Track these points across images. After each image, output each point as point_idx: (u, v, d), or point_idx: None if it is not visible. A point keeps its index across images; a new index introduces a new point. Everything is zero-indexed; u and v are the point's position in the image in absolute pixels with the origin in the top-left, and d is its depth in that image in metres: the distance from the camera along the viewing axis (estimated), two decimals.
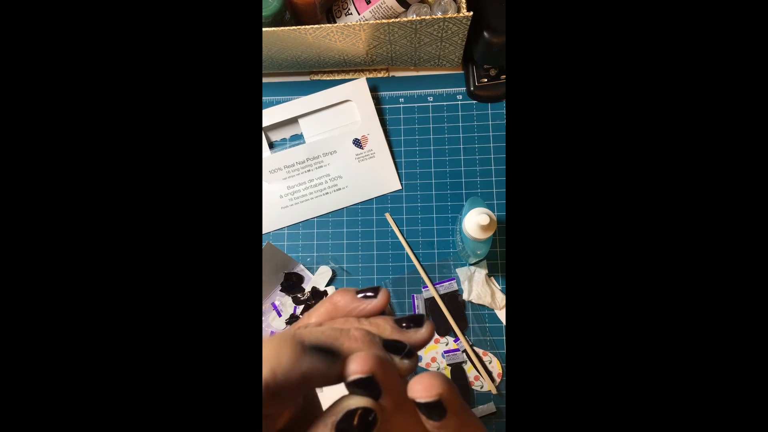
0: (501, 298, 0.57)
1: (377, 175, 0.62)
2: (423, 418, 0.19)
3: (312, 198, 0.62)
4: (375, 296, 0.21)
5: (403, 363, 0.19)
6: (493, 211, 0.57)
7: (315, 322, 0.21)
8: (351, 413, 0.17)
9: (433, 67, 0.65)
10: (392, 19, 0.55)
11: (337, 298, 0.21)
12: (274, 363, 0.17)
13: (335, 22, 0.61)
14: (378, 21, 0.55)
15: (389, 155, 0.63)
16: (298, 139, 0.64)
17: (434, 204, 0.61)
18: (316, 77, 0.67)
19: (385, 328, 0.20)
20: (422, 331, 0.21)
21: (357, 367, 0.17)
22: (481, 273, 0.58)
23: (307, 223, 0.62)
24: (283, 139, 0.65)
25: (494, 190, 0.61)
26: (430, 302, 0.58)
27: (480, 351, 0.57)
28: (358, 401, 0.18)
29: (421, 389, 0.18)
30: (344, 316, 0.21)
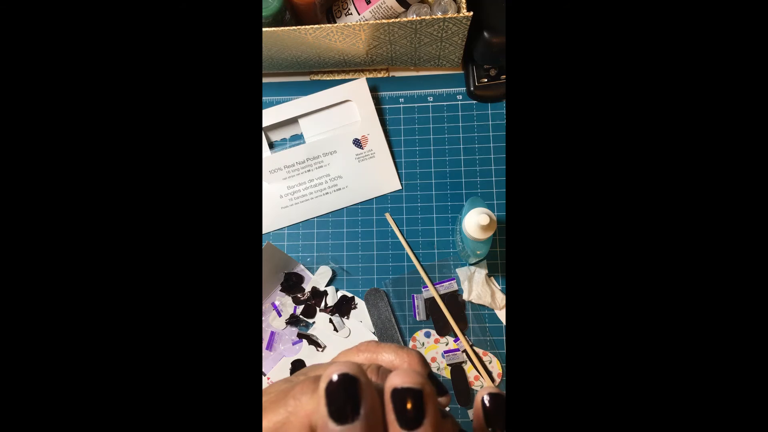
0: (501, 298, 0.57)
1: (377, 175, 0.62)
2: (395, 430, 0.17)
3: (312, 198, 0.62)
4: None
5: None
6: (493, 211, 0.57)
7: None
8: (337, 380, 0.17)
9: (433, 67, 0.65)
10: (392, 19, 0.55)
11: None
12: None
13: (335, 22, 0.61)
14: (378, 21, 0.55)
15: (389, 155, 0.63)
16: (298, 139, 0.64)
17: (434, 204, 0.61)
18: (316, 77, 0.67)
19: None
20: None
21: (341, 368, 0.17)
22: (481, 273, 0.58)
23: (307, 223, 0.62)
24: (283, 139, 0.65)
25: (494, 190, 0.61)
26: (430, 302, 0.58)
27: (480, 351, 0.57)
28: (342, 367, 0.17)
29: (402, 375, 0.17)
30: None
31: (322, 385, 0.17)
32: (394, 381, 0.17)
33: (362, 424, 0.17)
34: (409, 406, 0.17)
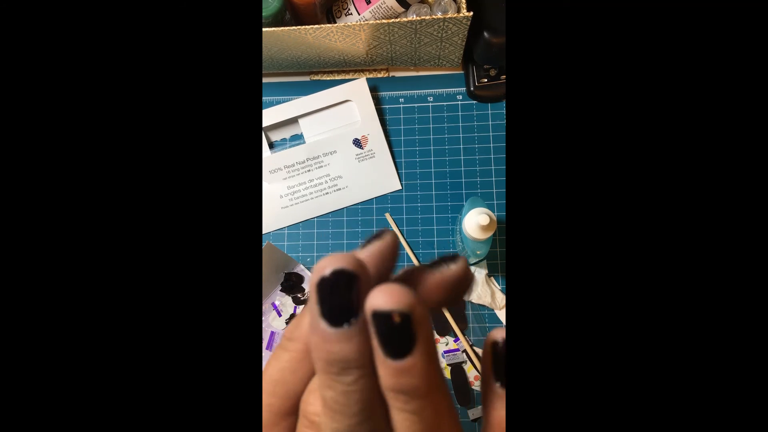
0: (501, 298, 0.57)
1: (377, 175, 0.62)
2: (379, 358, 0.14)
3: (312, 198, 0.62)
4: (454, 262, 0.16)
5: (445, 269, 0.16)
6: (493, 211, 0.57)
7: None
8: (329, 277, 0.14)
9: (433, 67, 0.65)
10: (392, 20, 0.55)
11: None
12: None
13: (335, 22, 0.61)
14: (378, 21, 0.54)
15: (389, 155, 0.63)
16: (298, 139, 0.64)
17: (434, 204, 0.61)
18: (316, 77, 0.67)
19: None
20: (454, 266, 0.16)
21: (336, 262, 0.14)
22: (481, 273, 0.58)
23: (307, 223, 0.62)
24: (283, 139, 0.65)
25: (494, 190, 0.61)
26: None
27: (480, 351, 0.57)
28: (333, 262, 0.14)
29: (385, 294, 0.13)
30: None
31: (314, 279, 0.14)
32: (375, 301, 0.13)
33: (359, 330, 0.13)
34: (394, 331, 0.13)
